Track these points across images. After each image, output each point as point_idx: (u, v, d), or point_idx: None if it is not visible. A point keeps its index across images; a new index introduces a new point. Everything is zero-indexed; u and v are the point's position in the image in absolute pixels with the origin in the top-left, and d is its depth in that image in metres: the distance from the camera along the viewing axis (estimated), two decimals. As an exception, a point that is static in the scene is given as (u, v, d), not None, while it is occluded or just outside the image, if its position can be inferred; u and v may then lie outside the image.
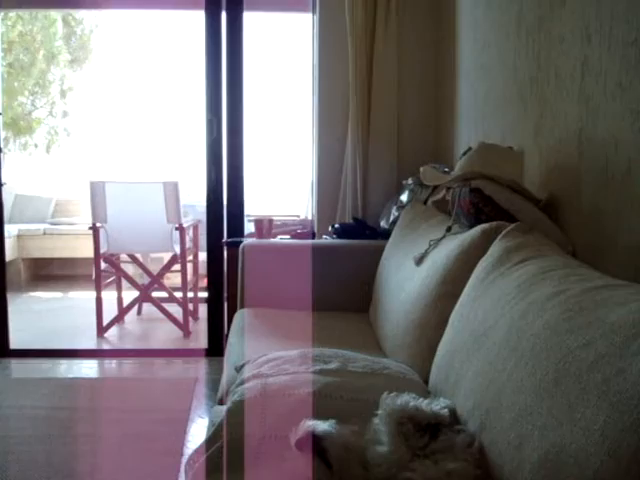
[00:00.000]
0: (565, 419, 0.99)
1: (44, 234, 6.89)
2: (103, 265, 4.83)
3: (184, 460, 2.58)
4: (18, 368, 3.98)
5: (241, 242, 3.13)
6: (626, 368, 0.93)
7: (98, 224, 4.68)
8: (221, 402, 1.86)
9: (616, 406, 0.90)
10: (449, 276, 1.92)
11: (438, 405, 1.32)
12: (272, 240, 3.48)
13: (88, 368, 4.03)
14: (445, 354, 1.64)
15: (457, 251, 1.94)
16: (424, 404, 1.31)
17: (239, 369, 1.74)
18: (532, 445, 1.06)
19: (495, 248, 1.67)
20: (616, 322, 1.03)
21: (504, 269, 1.52)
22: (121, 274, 4.97)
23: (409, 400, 1.30)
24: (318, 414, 1.41)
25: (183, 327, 4.77)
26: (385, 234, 3.03)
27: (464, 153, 2.50)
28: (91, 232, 4.70)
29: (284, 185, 6.32)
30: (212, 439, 1.39)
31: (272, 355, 1.68)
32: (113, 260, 4.89)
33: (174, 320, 4.81)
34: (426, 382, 1.73)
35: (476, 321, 1.47)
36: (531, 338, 1.19)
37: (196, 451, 1.41)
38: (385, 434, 1.25)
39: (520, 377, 1.16)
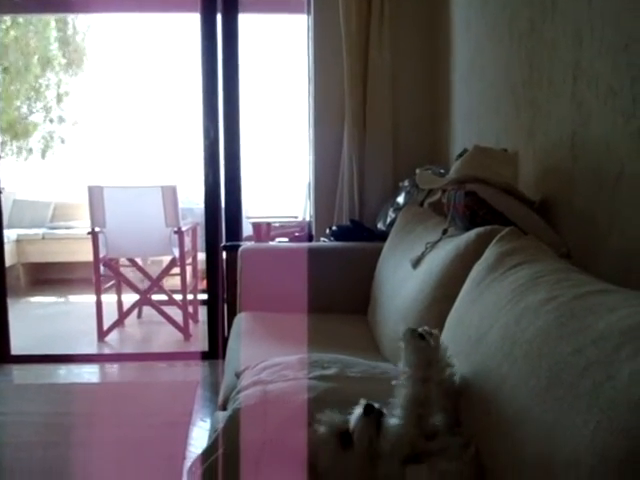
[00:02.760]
0: (557, 424, 1.02)
1: (43, 239, 6.90)
2: (102, 269, 4.85)
3: (186, 464, 2.61)
4: (19, 374, 4.00)
5: (239, 246, 3.15)
6: (615, 374, 0.95)
7: (97, 229, 4.70)
8: (223, 407, 1.89)
9: (606, 412, 0.92)
10: (445, 279, 1.94)
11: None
12: (270, 244, 3.51)
13: (89, 373, 4.06)
14: (442, 358, 1.67)
15: (453, 254, 1.96)
16: None
17: (239, 375, 1.77)
18: (526, 450, 1.09)
19: (490, 252, 1.69)
20: (606, 329, 1.06)
21: (498, 274, 1.55)
22: (121, 278, 4.99)
23: None
24: (317, 421, 1.44)
25: (183, 330, 4.79)
26: (382, 236, 3.05)
27: (459, 155, 2.53)
28: (91, 238, 4.72)
29: (282, 186, 6.35)
30: (212, 447, 1.42)
31: (271, 361, 1.70)
32: (112, 264, 4.91)
33: (174, 323, 4.83)
34: (424, 385, 1.75)
35: (472, 326, 1.49)
36: (525, 344, 1.21)
37: (198, 458, 1.44)
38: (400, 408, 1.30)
39: (514, 382, 1.19)
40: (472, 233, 1.95)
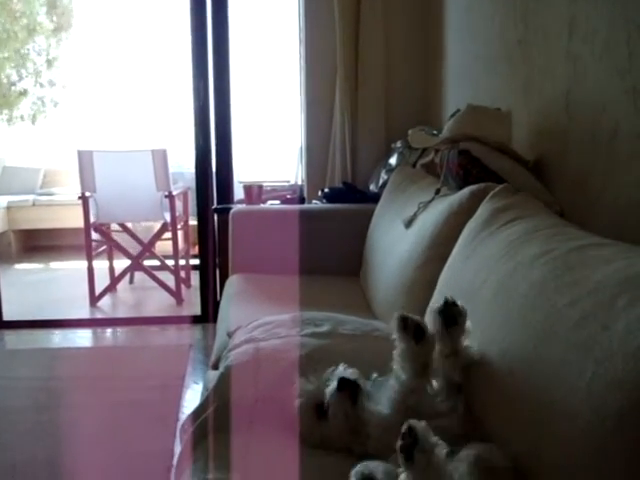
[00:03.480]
0: (553, 376, 1.01)
1: (33, 205, 6.84)
2: (94, 235, 4.82)
3: (180, 425, 2.61)
4: (12, 339, 3.99)
5: (230, 209, 3.13)
6: (611, 325, 0.94)
7: (87, 193, 4.66)
8: (215, 367, 1.88)
9: (602, 363, 0.91)
10: (438, 238, 1.93)
11: None
12: (262, 206, 3.49)
13: (82, 337, 4.05)
14: (435, 315, 1.66)
15: (446, 213, 1.95)
16: None
17: (231, 334, 1.76)
18: (521, 402, 1.08)
19: (483, 209, 1.68)
20: (602, 280, 1.04)
21: (492, 229, 1.53)
22: (112, 243, 4.96)
23: None
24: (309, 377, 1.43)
25: (175, 294, 4.78)
26: (374, 198, 3.03)
27: (452, 115, 2.50)
28: (80, 202, 4.68)
29: (274, 151, 6.29)
30: (205, 404, 1.41)
31: (264, 320, 1.69)
32: (103, 229, 4.88)
33: (166, 288, 4.82)
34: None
35: (465, 282, 1.48)
36: (519, 297, 1.20)
37: (190, 416, 1.43)
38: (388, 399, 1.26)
39: (509, 335, 1.18)
40: (466, 191, 1.93)
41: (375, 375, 1.34)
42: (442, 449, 0.99)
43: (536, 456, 1.02)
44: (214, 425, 1.37)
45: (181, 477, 1.29)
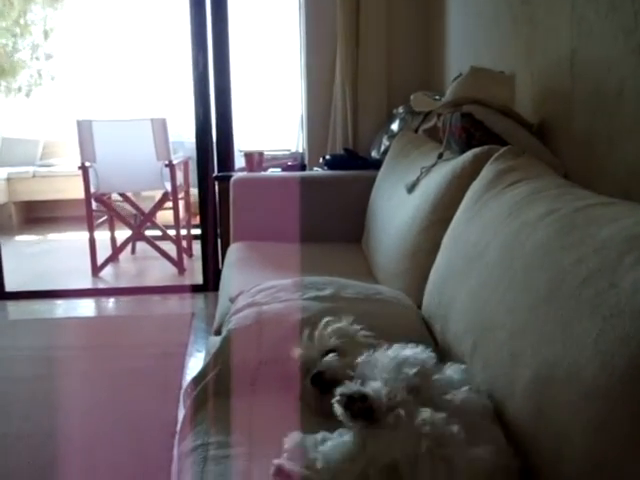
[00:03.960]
0: (558, 335, 1.00)
1: (34, 177, 6.82)
2: (94, 205, 4.80)
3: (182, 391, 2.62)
4: (14, 310, 3.99)
5: (231, 176, 3.11)
6: (618, 282, 0.93)
7: (87, 164, 4.63)
8: (217, 333, 1.87)
9: (608, 320, 0.90)
10: (441, 202, 1.91)
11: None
12: (262, 173, 3.46)
13: (84, 307, 4.05)
14: (437, 279, 1.65)
15: (449, 176, 1.93)
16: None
17: (233, 300, 1.74)
18: (525, 362, 1.06)
19: (487, 171, 1.66)
20: (608, 238, 1.03)
21: (496, 191, 1.51)
22: (113, 213, 4.95)
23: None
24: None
25: (177, 264, 4.78)
26: (376, 164, 3.01)
27: (455, 79, 2.46)
28: (81, 172, 4.65)
29: (274, 120, 6.24)
30: (207, 368, 1.40)
31: (266, 284, 1.68)
32: (104, 200, 4.86)
33: (168, 257, 4.81)
34: (420, 308, 1.73)
35: (468, 244, 1.46)
36: (524, 257, 1.19)
37: (193, 380, 1.43)
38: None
39: (513, 296, 1.16)
40: (469, 154, 1.91)
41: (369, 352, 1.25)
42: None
43: (535, 419, 1.01)
44: (216, 389, 1.36)
45: (184, 442, 1.28)
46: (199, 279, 4.31)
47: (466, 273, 1.41)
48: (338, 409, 1.01)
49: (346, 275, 1.86)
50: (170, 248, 4.85)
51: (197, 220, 4.48)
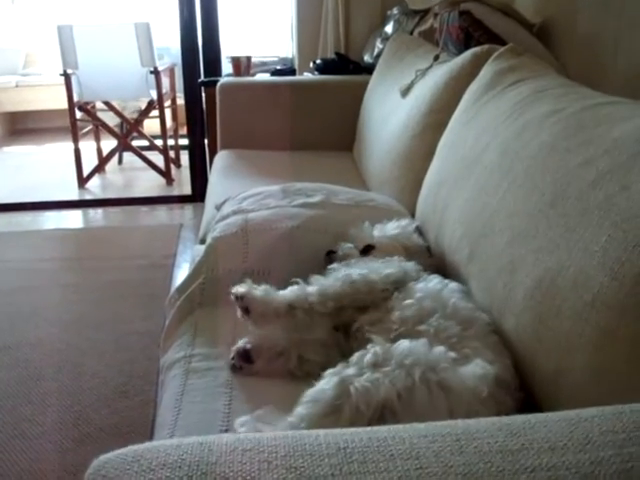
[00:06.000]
0: (563, 241, 0.93)
1: (16, 86, 6.61)
2: (79, 115, 4.66)
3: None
4: (0, 222, 3.91)
5: (217, 81, 2.98)
6: (630, 185, 0.86)
7: (69, 71, 4.46)
8: (202, 242, 1.81)
9: (619, 225, 0.83)
10: (437, 104, 1.82)
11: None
12: (250, 78, 3.34)
13: (71, 219, 3.99)
14: (432, 184, 1.57)
15: (446, 78, 1.83)
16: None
17: (219, 207, 1.67)
18: (526, 270, 1.00)
19: (487, 71, 1.56)
20: (619, 138, 0.95)
21: (496, 91, 1.42)
22: (98, 123, 4.81)
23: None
24: (301, 249, 1.36)
25: (165, 174, 4.68)
26: (369, 69, 2.91)
27: (452, -25, 2.33)
28: (64, 81, 4.48)
29: (264, 26, 6.02)
30: (192, 277, 1.34)
31: (253, 191, 1.61)
32: (88, 109, 4.71)
33: (155, 168, 4.71)
34: (413, 215, 1.67)
35: (466, 147, 1.38)
36: (526, 159, 1.11)
37: (177, 290, 1.37)
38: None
39: (514, 200, 1.09)
40: (467, 53, 1.81)
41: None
42: None
43: (536, 330, 0.96)
44: (201, 299, 1.31)
45: (167, 352, 1.23)
46: (187, 190, 4.24)
47: (463, 178, 1.34)
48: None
49: (337, 182, 1.79)
50: (158, 159, 4.73)
51: (185, 130, 4.36)
